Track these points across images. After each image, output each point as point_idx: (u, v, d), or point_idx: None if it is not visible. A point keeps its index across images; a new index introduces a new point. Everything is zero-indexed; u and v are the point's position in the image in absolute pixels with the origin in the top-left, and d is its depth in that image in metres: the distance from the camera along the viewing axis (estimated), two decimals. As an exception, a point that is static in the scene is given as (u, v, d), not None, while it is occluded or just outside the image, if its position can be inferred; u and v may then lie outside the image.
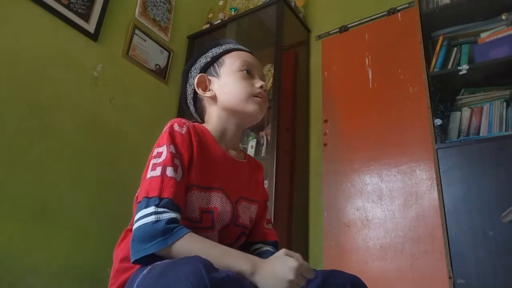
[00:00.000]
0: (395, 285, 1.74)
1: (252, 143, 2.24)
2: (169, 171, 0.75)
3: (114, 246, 0.85)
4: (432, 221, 1.73)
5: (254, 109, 0.92)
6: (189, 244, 0.67)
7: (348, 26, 2.38)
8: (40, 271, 1.66)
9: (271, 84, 2.27)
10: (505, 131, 1.59)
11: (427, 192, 1.80)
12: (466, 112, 1.73)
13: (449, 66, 1.79)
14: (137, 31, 2.37)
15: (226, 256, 0.66)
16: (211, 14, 2.83)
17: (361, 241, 1.90)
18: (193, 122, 0.90)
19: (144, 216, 0.69)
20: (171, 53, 2.58)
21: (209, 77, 0.95)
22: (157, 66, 2.48)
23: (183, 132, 0.82)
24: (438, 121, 1.64)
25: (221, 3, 2.83)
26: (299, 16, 2.52)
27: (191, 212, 0.79)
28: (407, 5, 2.17)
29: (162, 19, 2.58)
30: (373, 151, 2.02)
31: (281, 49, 2.26)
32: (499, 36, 1.71)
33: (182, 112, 2.47)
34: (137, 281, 0.63)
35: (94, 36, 2.10)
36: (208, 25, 2.73)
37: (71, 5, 2.02)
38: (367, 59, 2.22)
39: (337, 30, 2.41)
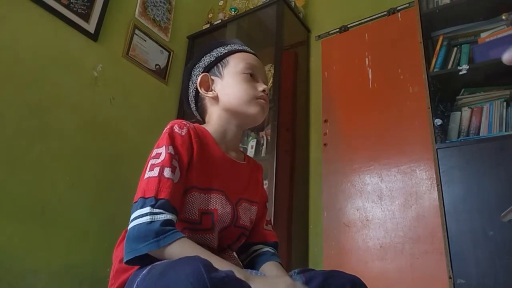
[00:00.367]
0: (395, 285, 1.74)
1: (252, 143, 2.24)
2: (167, 172, 0.75)
3: (114, 246, 0.85)
4: (432, 221, 1.73)
5: (256, 111, 0.91)
6: (181, 250, 0.67)
7: (348, 26, 2.38)
8: (40, 271, 1.66)
9: (271, 84, 2.27)
10: (505, 131, 1.59)
11: (427, 192, 1.80)
12: (466, 112, 1.73)
13: (449, 66, 1.79)
14: (137, 31, 2.37)
15: (217, 265, 0.66)
16: (211, 14, 2.83)
17: (361, 241, 1.90)
18: (194, 121, 0.90)
19: (139, 216, 0.70)
20: (171, 53, 2.58)
21: (212, 77, 0.95)
22: (157, 66, 2.48)
23: (183, 133, 0.82)
24: (438, 121, 1.64)
25: (221, 3, 2.83)
26: (299, 16, 2.52)
27: (191, 214, 0.79)
28: (407, 5, 2.17)
29: (162, 19, 2.58)
30: (373, 151, 2.01)
31: (281, 49, 2.26)
32: (499, 36, 1.71)
33: (182, 112, 2.47)
34: (137, 281, 0.63)
35: (94, 36, 2.10)
36: (208, 25, 2.73)
37: (71, 5, 2.02)
38: (367, 59, 2.22)
39: (337, 30, 2.41)
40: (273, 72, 2.27)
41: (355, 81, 2.21)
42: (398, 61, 2.09)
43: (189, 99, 1.00)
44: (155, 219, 0.69)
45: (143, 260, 0.68)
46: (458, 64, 1.76)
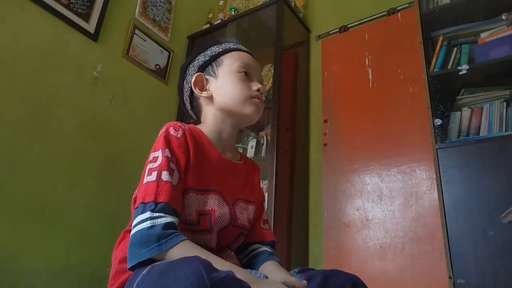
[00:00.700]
0: (395, 285, 1.74)
1: (252, 143, 2.24)
2: (165, 175, 0.75)
3: (113, 246, 0.85)
4: (432, 221, 1.73)
5: (251, 111, 0.91)
6: (182, 252, 0.67)
7: (348, 26, 2.38)
8: (40, 271, 1.66)
9: (271, 84, 2.27)
10: (505, 131, 1.59)
11: (427, 192, 1.80)
12: (466, 112, 1.73)
13: (449, 66, 1.79)
14: (137, 31, 2.37)
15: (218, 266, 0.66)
16: (211, 14, 2.83)
17: (361, 241, 1.90)
18: (189, 122, 0.90)
19: (140, 222, 0.70)
20: (171, 53, 2.58)
21: (206, 77, 0.94)
22: (157, 66, 2.48)
23: (179, 135, 0.82)
24: (438, 121, 1.64)
25: (221, 3, 2.83)
26: (299, 16, 2.52)
27: (188, 215, 0.79)
28: (407, 5, 2.17)
29: (162, 19, 2.58)
30: (373, 151, 2.01)
31: (281, 49, 2.26)
32: (499, 36, 1.71)
33: (182, 112, 2.47)
34: (136, 281, 0.63)
35: (94, 36, 2.10)
36: (208, 25, 2.73)
37: (71, 5, 2.02)
38: (367, 59, 2.22)
39: (337, 30, 2.41)
40: (273, 72, 2.27)
41: (355, 81, 2.21)
42: (398, 61, 2.09)
43: (184, 99, 0.99)
44: (156, 223, 0.69)
45: (146, 264, 0.68)
46: (458, 64, 1.76)
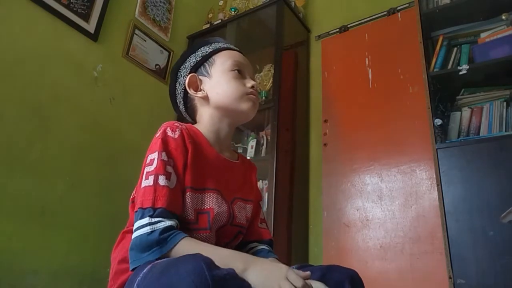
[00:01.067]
0: (395, 285, 1.74)
1: (252, 143, 2.24)
2: (161, 180, 0.75)
3: (113, 247, 0.85)
4: (432, 221, 1.73)
5: (248, 107, 0.92)
6: (186, 249, 0.68)
7: (348, 26, 2.38)
8: (40, 271, 1.66)
9: (271, 84, 2.27)
10: (505, 131, 1.59)
11: (427, 192, 1.80)
12: (466, 112, 1.73)
13: (449, 66, 1.79)
14: (137, 31, 2.37)
15: (219, 255, 0.66)
16: (211, 14, 2.83)
17: (361, 241, 1.90)
18: (185, 123, 0.90)
19: (140, 227, 0.71)
20: (171, 53, 2.58)
21: (200, 77, 0.94)
22: (157, 66, 2.48)
23: (176, 136, 0.82)
24: (438, 121, 1.64)
25: (221, 3, 2.83)
26: (299, 16, 2.52)
27: (187, 214, 0.79)
28: (407, 5, 2.17)
29: (162, 19, 2.58)
30: (373, 151, 2.01)
31: (281, 49, 2.26)
32: (499, 36, 1.71)
33: (182, 112, 2.46)
34: (137, 280, 0.63)
35: (94, 36, 2.10)
36: (208, 25, 2.73)
37: (71, 5, 2.02)
38: (367, 59, 2.22)
39: (337, 30, 2.41)
40: (273, 72, 2.27)
41: (355, 81, 2.21)
42: (398, 61, 2.09)
43: (177, 101, 0.99)
44: (155, 229, 0.70)
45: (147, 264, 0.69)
46: (458, 64, 1.76)
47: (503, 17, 1.75)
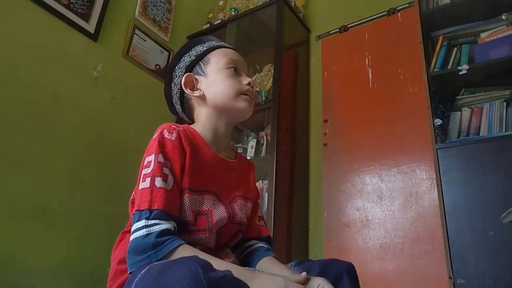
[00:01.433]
0: (395, 285, 1.74)
1: (252, 143, 2.24)
2: (158, 182, 0.75)
3: (113, 247, 0.85)
4: (432, 221, 1.73)
5: (243, 106, 0.91)
6: (180, 256, 0.67)
7: (348, 26, 2.38)
8: (40, 271, 1.66)
9: (271, 84, 2.27)
10: (505, 131, 1.59)
11: (427, 192, 1.80)
12: (466, 112, 1.73)
13: (449, 66, 1.79)
14: (137, 31, 2.37)
15: (216, 267, 0.66)
16: (211, 14, 2.83)
17: (361, 241, 1.90)
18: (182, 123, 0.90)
19: (136, 230, 0.71)
20: (171, 53, 2.58)
21: (195, 76, 0.94)
22: (157, 66, 2.48)
23: (173, 138, 0.81)
24: (438, 121, 1.64)
25: (221, 3, 2.83)
26: (299, 16, 2.52)
27: (185, 215, 0.79)
28: (407, 5, 2.17)
29: (162, 19, 2.58)
30: (373, 151, 2.01)
31: (281, 49, 2.26)
32: (499, 36, 1.71)
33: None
34: (135, 281, 0.64)
35: (94, 36, 2.10)
36: (208, 25, 2.73)
37: (71, 5, 2.02)
38: (367, 59, 2.22)
39: (337, 30, 2.41)
40: (273, 72, 2.27)
41: (355, 81, 2.21)
42: (398, 61, 2.09)
43: (174, 101, 0.99)
44: (151, 231, 0.70)
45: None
46: (458, 64, 1.76)
47: (503, 17, 1.75)
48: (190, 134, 0.87)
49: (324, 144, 2.20)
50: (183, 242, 0.71)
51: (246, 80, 0.93)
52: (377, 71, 2.16)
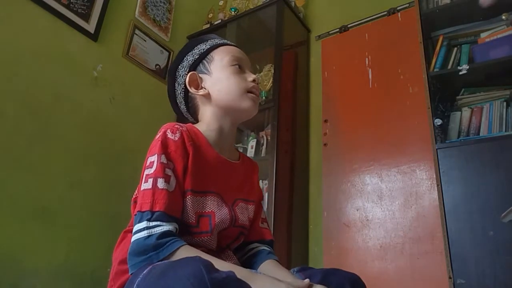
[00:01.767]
0: (395, 285, 1.74)
1: (252, 143, 2.24)
2: (160, 183, 0.75)
3: (114, 247, 0.85)
4: (432, 221, 1.73)
5: (249, 106, 0.90)
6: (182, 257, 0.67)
7: (348, 26, 2.38)
8: (40, 271, 1.66)
9: (271, 84, 2.27)
10: (505, 131, 1.59)
11: (427, 192, 1.80)
12: (466, 112, 1.73)
13: (449, 66, 1.79)
14: (137, 31, 2.37)
15: (218, 267, 0.66)
16: (211, 14, 2.83)
17: (361, 241, 1.90)
18: (185, 123, 0.89)
19: (138, 231, 0.71)
20: (171, 53, 2.58)
21: (200, 75, 0.93)
22: (157, 66, 2.48)
23: (176, 138, 0.81)
24: (438, 121, 1.64)
25: (221, 3, 2.83)
26: (299, 16, 2.52)
27: (187, 217, 0.79)
28: (407, 5, 2.17)
29: (162, 19, 2.58)
30: (373, 151, 2.01)
31: (281, 49, 2.26)
32: (499, 36, 1.71)
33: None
34: (137, 281, 0.63)
35: (94, 36, 2.10)
36: (208, 25, 2.73)
37: (71, 5, 2.02)
38: (367, 59, 2.22)
39: (337, 30, 2.41)
40: (273, 72, 2.27)
41: (355, 81, 2.21)
42: (398, 61, 2.09)
43: (178, 101, 0.97)
44: (152, 233, 0.70)
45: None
46: (458, 64, 1.76)
47: (503, 17, 1.75)
48: (193, 134, 0.86)
49: (324, 144, 2.20)
50: (185, 243, 0.71)
51: (250, 77, 0.92)
52: (377, 71, 2.16)
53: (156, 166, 0.76)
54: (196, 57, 0.94)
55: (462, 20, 1.85)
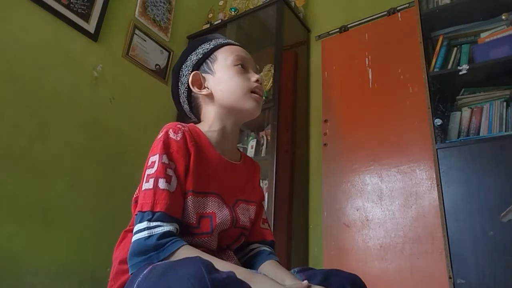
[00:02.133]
0: (395, 285, 1.74)
1: (252, 143, 2.24)
2: (161, 183, 0.74)
3: (113, 246, 0.85)
4: (432, 221, 1.73)
5: (252, 106, 0.90)
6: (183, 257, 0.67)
7: (348, 26, 2.38)
8: (40, 272, 1.66)
9: (271, 84, 2.27)
10: (505, 131, 1.59)
11: (427, 192, 1.80)
12: (466, 112, 1.73)
13: (449, 66, 1.79)
14: (137, 31, 2.36)
15: (219, 267, 0.65)
16: (211, 14, 2.83)
17: (361, 241, 1.90)
18: (186, 123, 0.89)
19: (138, 231, 0.71)
20: (171, 53, 2.58)
21: (203, 75, 0.93)
22: (157, 66, 2.48)
23: (178, 138, 0.80)
24: (438, 121, 1.64)
25: (221, 3, 2.83)
26: (299, 16, 2.52)
27: (188, 218, 0.79)
28: (407, 5, 2.17)
29: (162, 19, 2.58)
30: (373, 151, 2.01)
31: (281, 49, 2.26)
32: (499, 36, 1.71)
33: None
34: (137, 281, 0.63)
35: (94, 36, 2.10)
36: (208, 25, 2.73)
37: (71, 5, 2.02)
38: (367, 59, 2.22)
39: (337, 30, 2.41)
40: (273, 72, 2.27)
41: (355, 81, 2.21)
42: (398, 61, 2.09)
43: (181, 100, 0.97)
44: (153, 233, 0.70)
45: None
46: (458, 64, 1.76)
47: (503, 17, 1.75)
48: (196, 134, 0.85)
49: (324, 144, 2.20)
50: (185, 243, 0.71)
51: (254, 77, 0.92)
52: (377, 71, 2.16)
53: (158, 166, 0.76)
54: (200, 56, 0.93)
55: (462, 20, 1.85)
